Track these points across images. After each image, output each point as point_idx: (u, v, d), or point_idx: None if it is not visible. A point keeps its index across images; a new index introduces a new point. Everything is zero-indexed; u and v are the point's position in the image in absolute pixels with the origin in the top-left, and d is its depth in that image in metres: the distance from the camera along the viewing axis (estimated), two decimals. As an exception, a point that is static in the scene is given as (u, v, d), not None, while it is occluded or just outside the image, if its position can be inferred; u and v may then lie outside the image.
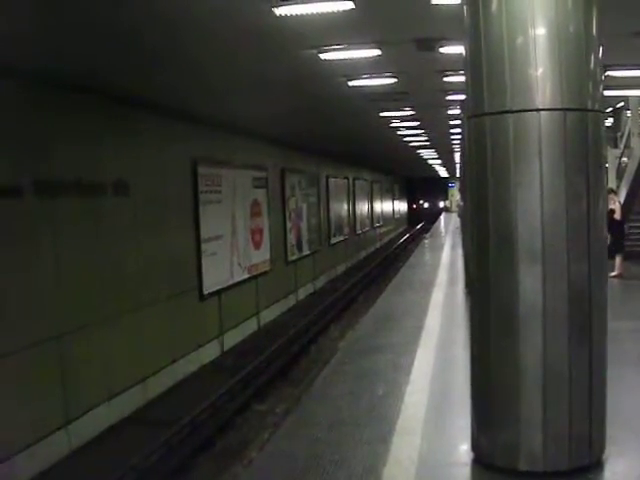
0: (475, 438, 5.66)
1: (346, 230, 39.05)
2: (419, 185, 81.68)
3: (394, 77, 13.21)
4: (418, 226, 70.96)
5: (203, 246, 17.70)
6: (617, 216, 15.94)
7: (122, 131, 13.96)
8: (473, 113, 5.53)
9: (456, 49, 10.17)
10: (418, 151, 36.52)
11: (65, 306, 11.78)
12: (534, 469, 5.20)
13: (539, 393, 5.17)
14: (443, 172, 63.85)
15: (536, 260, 5.14)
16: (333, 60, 11.24)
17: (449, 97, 15.86)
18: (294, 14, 8.49)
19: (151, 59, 10.82)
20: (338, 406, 7.66)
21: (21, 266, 10.83)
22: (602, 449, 5.40)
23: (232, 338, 19.45)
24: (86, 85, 12.01)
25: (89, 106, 12.71)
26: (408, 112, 19.04)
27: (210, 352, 17.91)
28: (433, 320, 12.36)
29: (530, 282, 5.18)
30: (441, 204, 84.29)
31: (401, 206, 75.78)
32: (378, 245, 51.71)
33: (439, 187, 78.43)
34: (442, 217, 61.38)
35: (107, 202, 13.26)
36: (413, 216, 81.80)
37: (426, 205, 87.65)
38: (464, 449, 5.86)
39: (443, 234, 41.89)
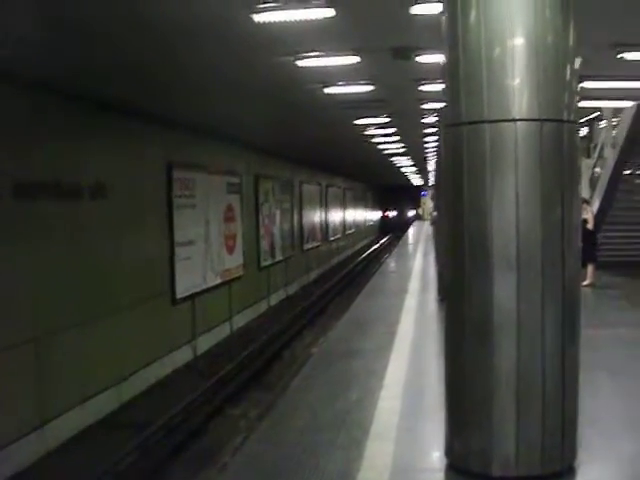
0: (449, 443, 5.70)
1: (319, 237, 39.10)
2: (389, 193, 79.90)
3: (371, 85, 13.24)
4: (385, 238, 68.98)
5: (177, 250, 17.66)
6: (590, 226, 16.06)
7: (99, 134, 13.92)
8: (450, 122, 5.57)
9: (432, 58, 10.25)
10: (392, 159, 36.57)
11: (40, 309, 11.74)
12: (507, 474, 5.25)
13: (512, 399, 5.22)
14: (417, 180, 63.89)
15: (511, 268, 5.19)
16: (310, 67, 11.23)
17: (424, 106, 15.93)
18: (273, 21, 8.48)
19: (129, 63, 10.81)
20: (312, 411, 7.67)
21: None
22: (574, 455, 5.47)
23: (205, 342, 19.42)
24: (65, 89, 12.01)
25: (69, 109, 12.69)
26: (384, 120, 19.08)
27: (183, 356, 17.86)
28: (406, 326, 12.42)
29: (505, 290, 5.23)
30: (410, 213, 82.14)
31: (373, 214, 75.93)
32: (350, 252, 51.75)
33: (410, 195, 77.11)
34: (413, 227, 60.62)
35: (84, 205, 13.23)
36: (384, 224, 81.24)
37: (392, 214, 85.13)
38: (438, 454, 5.90)
39: (415, 242, 41.89)
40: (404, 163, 40.81)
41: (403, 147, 28.60)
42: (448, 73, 5.58)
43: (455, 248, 5.60)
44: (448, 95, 5.62)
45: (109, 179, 14.07)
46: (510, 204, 5.19)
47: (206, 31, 9.11)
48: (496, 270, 5.25)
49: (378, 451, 6.25)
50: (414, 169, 47.56)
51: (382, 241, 65.15)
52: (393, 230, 72.11)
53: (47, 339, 11.87)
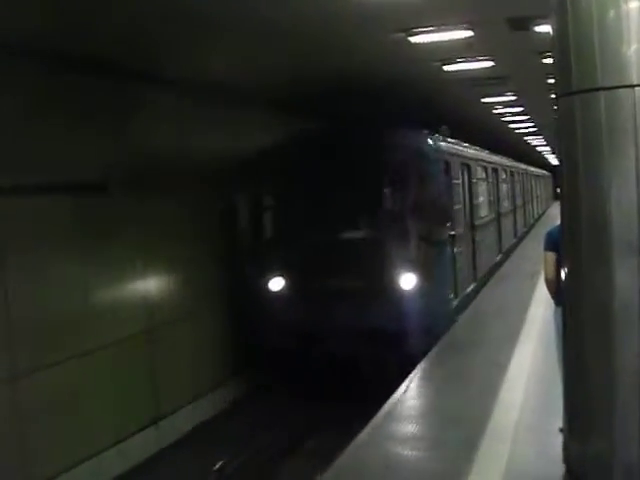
0: (567, 448, 5.19)
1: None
2: None
3: (491, 60, 12.65)
4: None
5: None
6: None
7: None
8: (561, 92, 5.10)
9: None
10: (525, 138, 35.46)
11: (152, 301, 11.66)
12: (631, 486, 4.71)
13: (636, 398, 4.67)
14: (553, 160, 62.42)
15: (632, 252, 4.65)
16: (424, 43, 10.77)
17: (551, 80, 15.17)
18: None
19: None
20: (429, 405, 7.33)
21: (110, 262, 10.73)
22: None
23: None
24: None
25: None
26: (510, 97, 18.38)
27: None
28: (536, 314, 11.80)
29: (626, 276, 4.69)
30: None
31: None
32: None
33: None
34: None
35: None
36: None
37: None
38: (555, 460, 5.37)
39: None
40: (537, 142, 39.64)
41: (535, 125, 27.66)
42: (557, 40, 5.12)
43: (572, 230, 5.13)
44: (558, 64, 5.18)
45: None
46: (630, 181, 4.66)
47: (311, 10, 8.76)
48: (616, 254, 4.72)
49: (492, 453, 5.83)
50: (549, 148, 46.24)
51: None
52: None
53: (159, 331, 11.75)
